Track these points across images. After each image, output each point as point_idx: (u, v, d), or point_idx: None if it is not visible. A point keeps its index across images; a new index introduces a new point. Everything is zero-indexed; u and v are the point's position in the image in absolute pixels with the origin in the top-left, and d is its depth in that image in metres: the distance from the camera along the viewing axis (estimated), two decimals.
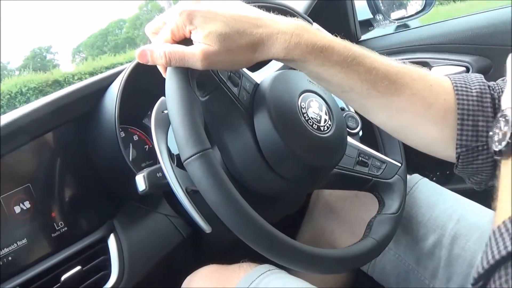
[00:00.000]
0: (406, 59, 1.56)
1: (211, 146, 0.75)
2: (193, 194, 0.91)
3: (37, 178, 1.07)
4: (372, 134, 1.32)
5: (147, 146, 1.28)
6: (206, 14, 0.75)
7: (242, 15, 0.77)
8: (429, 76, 0.85)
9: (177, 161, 1.01)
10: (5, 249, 0.99)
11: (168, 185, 0.94)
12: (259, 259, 1.08)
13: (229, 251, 1.31)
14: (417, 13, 1.57)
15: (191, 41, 0.78)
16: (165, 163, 0.91)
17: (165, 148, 0.93)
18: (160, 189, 0.99)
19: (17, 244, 1.01)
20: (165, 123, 0.95)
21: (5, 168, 1.02)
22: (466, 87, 0.84)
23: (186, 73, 0.79)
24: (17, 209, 1.02)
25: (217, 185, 0.73)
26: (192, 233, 1.24)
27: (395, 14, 1.59)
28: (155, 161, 1.28)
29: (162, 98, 0.97)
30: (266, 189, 1.00)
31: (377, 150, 1.23)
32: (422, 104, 0.83)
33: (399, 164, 1.20)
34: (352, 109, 1.36)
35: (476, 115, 0.82)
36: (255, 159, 0.94)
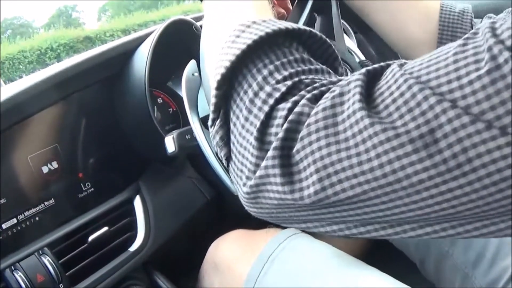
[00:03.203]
0: None
1: None
2: None
3: (65, 139, 1.08)
4: None
5: (170, 109, 1.28)
6: None
7: None
8: None
9: (206, 124, 1.01)
10: (32, 209, 1.00)
11: (196, 147, 0.95)
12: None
13: (250, 215, 1.32)
14: None
15: None
16: (196, 125, 0.92)
17: (196, 111, 0.93)
18: (188, 151, 1.00)
19: (44, 204, 1.02)
20: (195, 85, 0.95)
21: (33, 128, 1.03)
22: (451, 5, 0.93)
23: None
24: (45, 169, 1.03)
25: None
26: (216, 196, 1.24)
27: None
28: (179, 124, 1.28)
29: (192, 61, 0.97)
30: None
31: None
32: (407, 3, 0.92)
33: None
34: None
35: (455, 27, 0.91)
36: None
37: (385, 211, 0.44)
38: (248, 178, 0.50)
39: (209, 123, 0.57)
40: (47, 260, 0.95)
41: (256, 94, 0.50)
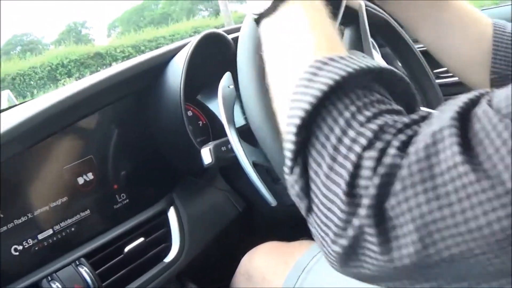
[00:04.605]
0: None
1: None
2: (259, 168, 0.93)
3: (99, 151, 1.08)
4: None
5: (200, 122, 1.29)
6: None
7: None
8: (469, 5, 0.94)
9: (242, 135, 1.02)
10: (68, 220, 1.01)
11: (232, 158, 0.96)
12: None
13: (282, 228, 1.32)
14: None
15: None
16: (233, 137, 0.93)
17: (233, 123, 0.94)
18: (224, 163, 1.00)
19: (80, 215, 1.03)
20: (231, 98, 0.96)
21: (68, 140, 1.04)
22: (504, 25, 0.92)
23: None
24: (80, 181, 1.03)
25: None
26: (246, 208, 1.25)
27: None
28: (209, 137, 1.28)
29: (227, 73, 0.98)
30: None
31: None
32: (460, 25, 0.92)
33: None
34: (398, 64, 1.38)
35: (508, 47, 0.90)
36: None
37: (488, 267, 0.42)
38: (337, 235, 0.47)
39: (286, 170, 0.53)
40: (84, 271, 0.96)
41: (339, 140, 0.47)
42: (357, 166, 0.45)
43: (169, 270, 1.07)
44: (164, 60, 1.15)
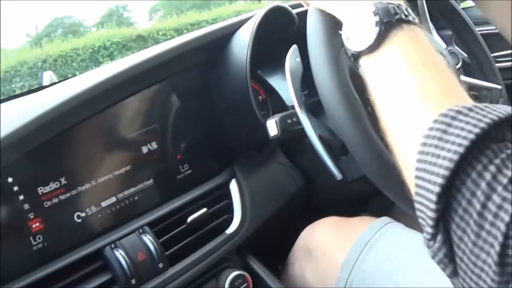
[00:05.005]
0: None
1: None
2: (323, 143, 0.93)
3: (163, 121, 1.08)
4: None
5: (260, 97, 1.28)
6: None
7: None
8: None
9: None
10: (132, 188, 1.01)
11: (297, 132, 0.95)
12: (376, 214, 1.09)
13: (341, 204, 1.32)
14: None
15: None
16: (301, 109, 0.92)
17: (300, 95, 0.93)
18: (289, 136, 1.00)
19: (144, 184, 1.03)
20: (297, 70, 0.95)
21: (133, 108, 1.04)
22: None
23: None
24: (144, 150, 1.04)
25: None
26: (306, 184, 1.25)
27: None
28: (268, 112, 1.28)
29: (294, 46, 0.97)
30: None
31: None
32: None
33: (500, 87, 1.23)
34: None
35: None
36: None
37: None
38: None
39: (426, 236, 0.51)
40: (148, 239, 0.96)
41: (484, 206, 0.45)
42: (506, 237, 0.43)
43: (230, 241, 1.07)
44: (228, 33, 1.15)
